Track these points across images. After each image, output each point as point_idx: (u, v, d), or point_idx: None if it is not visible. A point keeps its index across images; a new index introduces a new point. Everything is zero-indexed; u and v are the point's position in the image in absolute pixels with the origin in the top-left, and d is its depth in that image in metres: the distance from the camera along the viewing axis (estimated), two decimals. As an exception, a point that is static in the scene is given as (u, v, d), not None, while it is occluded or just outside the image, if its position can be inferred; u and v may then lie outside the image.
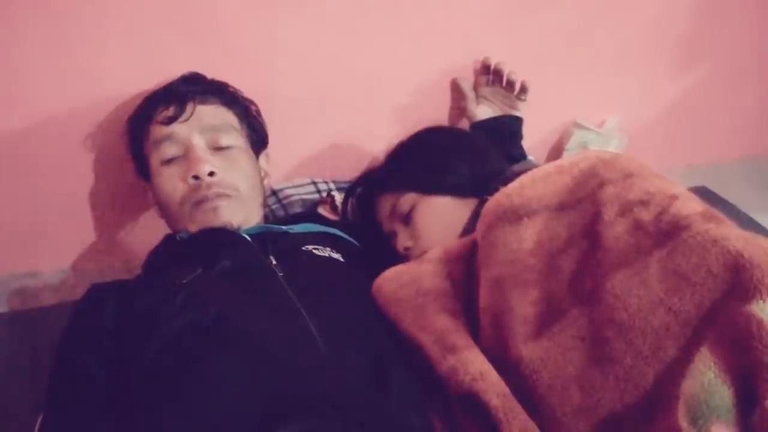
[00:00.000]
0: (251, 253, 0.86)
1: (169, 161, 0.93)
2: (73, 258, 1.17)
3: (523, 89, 1.17)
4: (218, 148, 0.95)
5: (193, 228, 0.91)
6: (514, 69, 1.17)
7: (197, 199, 0.91)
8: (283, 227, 0.95)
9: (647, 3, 1.35)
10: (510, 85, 1.18)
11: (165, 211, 0.96)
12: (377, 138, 1.24)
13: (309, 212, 1.15)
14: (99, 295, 0.83)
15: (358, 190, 1.11)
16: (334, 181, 1.23)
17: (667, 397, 0.61)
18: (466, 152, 1.03)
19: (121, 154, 1.03)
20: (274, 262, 0.85)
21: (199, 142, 0.93)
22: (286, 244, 0.90)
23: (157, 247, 0.97)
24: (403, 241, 0.99)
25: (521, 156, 1.20)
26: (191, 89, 0.97)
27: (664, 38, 1.42)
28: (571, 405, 0.66)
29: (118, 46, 1.01)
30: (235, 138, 0.97)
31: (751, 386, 0.58)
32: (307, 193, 1.19)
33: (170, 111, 0.94)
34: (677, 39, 1.42)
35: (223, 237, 0.89)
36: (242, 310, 0.76)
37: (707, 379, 0.59)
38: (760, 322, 0.58)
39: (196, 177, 0.91)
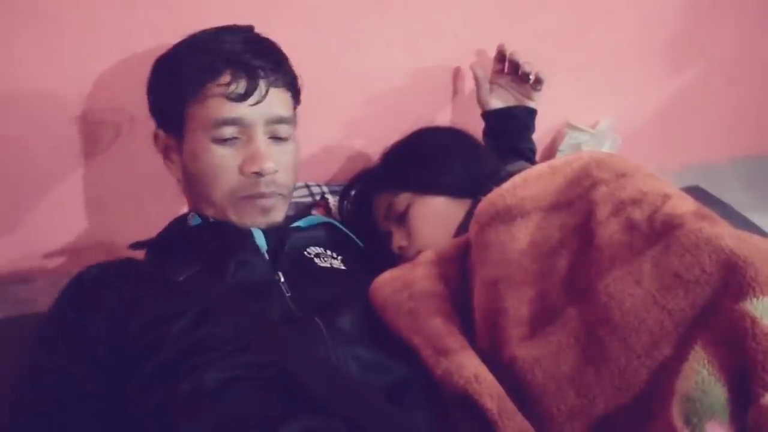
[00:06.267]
0: (262, 268, 0.82)
1: (224, 141, 0.84)
2: (67, 264, 1.16)
3: (538, 81, 1.14)
4: (275, 138, 0.87)
5: (235, 218, 0.85)
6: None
7: (252, 194, 0.85)
8: (293, 224, 0.92)
9: (639, 4, 1.35)
10: (525, 75, 1.14)
11: (196, 187, 0.87)
12: (370, 141, 1.24)
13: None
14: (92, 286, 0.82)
15: (354, 189, 1.11)
16: (327, 185, 1.23)
17: (661, 396, 0.61)
18: (462, 152, 1.03)
19: (115, 161, 1.02)
20: (282, 279, 0.81)
21: (263, 132, 0.85)
22: (291, 246, 0.87)
23: (163, 231, 0.89)
24: (397, 240, 0.99)
25: (530, 150, 1.18)
26: (263, 64, 0.85)
27: (656, 38, 1.42)
28: (565, 405, 0.66)
29: (112, 51, 1.00)
30: (292, 129, 0.89)
31: (745, 384, 0.57)
32: (301, 196, 1.18)
33: (240, 87, 0.82)
34: (669, 39, 1.43)
35: (238, 241, 0.84)
36: (249, 317, 0.75)
37: (701, 378, 0.59)
38: (754, 320, 0.58)
39: (258, 174, 0.83)
